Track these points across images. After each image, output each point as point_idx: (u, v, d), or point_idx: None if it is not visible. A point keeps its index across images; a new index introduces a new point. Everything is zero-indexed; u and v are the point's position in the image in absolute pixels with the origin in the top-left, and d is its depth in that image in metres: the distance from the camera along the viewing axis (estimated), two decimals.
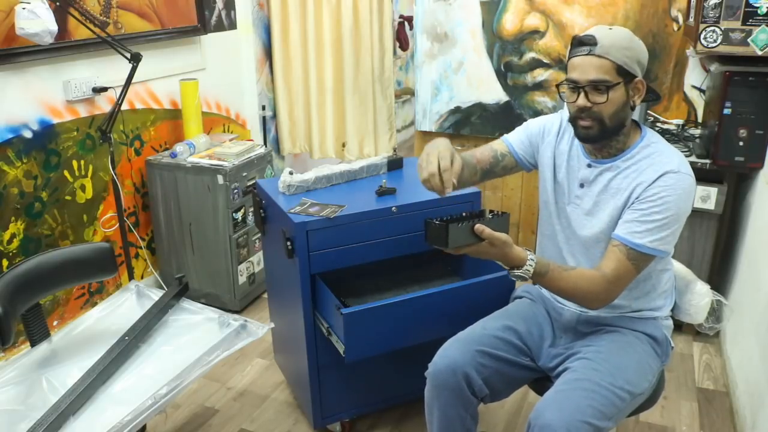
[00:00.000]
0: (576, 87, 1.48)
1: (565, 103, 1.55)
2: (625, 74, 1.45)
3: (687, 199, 1.47)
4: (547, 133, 1.71)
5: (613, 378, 1.47)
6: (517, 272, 1.48)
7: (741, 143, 2.42)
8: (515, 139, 1.76)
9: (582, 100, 1.47)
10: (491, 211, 1.53)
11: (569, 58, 1.50)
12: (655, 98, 1.61)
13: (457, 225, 1.44)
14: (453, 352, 1.60)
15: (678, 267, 1.76)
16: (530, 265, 1.47)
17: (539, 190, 1.73)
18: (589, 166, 1.58)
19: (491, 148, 1.77)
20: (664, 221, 1.45)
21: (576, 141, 1.62)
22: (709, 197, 2.49)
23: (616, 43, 1.44)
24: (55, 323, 2.58)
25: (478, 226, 1.44)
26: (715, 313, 2.54)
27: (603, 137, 1.51)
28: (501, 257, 1.48)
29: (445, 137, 1.72)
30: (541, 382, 1.69)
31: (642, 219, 1.46)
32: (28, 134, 2.42)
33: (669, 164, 1.47)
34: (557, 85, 1.56)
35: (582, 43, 1.46)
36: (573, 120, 1.53)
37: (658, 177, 1.46)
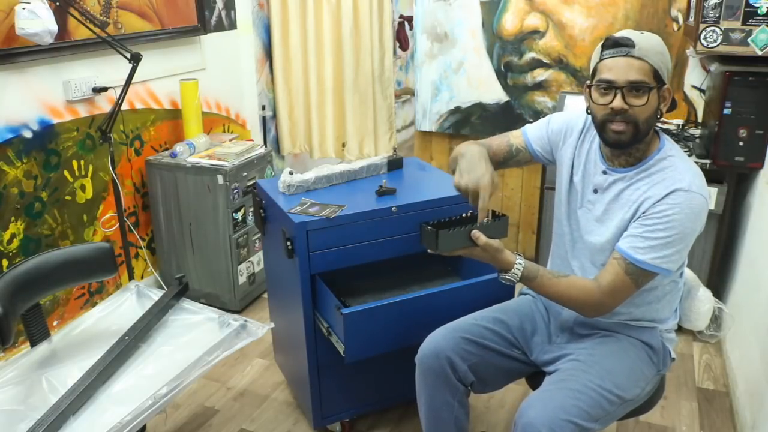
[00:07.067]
0: (611, 88, 1.42)
1: (591, 107, 1.49)
2: (658, 79, 1.42)
3: (695, 219, 1.43)
4: (569, 133, 1.66)
5: (601, 380, 1.47)
6: (505, 276, 1.53)
7: (741, 143, 2.43)
8: (534, 134, 1.73)
9: (618, 102, 1.41)
10: (493, 212, 1.54)
11: (601, 60, 1.44)
12: (673, 107, 1.59)
13: (447, 231, 1.48)
14: (438, 338, 1.64)
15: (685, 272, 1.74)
16: (518, 269, 1.51)
17: (555, 189, 1.70)
18: (604, 172, 1.55)
19: (507, 142, 1.76)
20: (668, 239, 1.41)
21: (594, 145, 1.59)
22: (709, 197, 2.49)
23: (653, 47, 1.41)
24: (55, 323, 2.58)
25: (475, 233, 1.48)
26: (717, 320, 2.55)
27: (634, 142, 1.47)
28: (491, 261, 1.53)
29: (480, 147, 1.66)
30: (537, 377, 1.69)
31: (645, 235, 1.43)
32: (28, 134, 2.41)
33: (681, 181, 1.43)
34: (586, 87, 1.50)
35: (618, 44, 1.41)
36: (603, 123, 1.47)
37: (668, 194, 1.42)
